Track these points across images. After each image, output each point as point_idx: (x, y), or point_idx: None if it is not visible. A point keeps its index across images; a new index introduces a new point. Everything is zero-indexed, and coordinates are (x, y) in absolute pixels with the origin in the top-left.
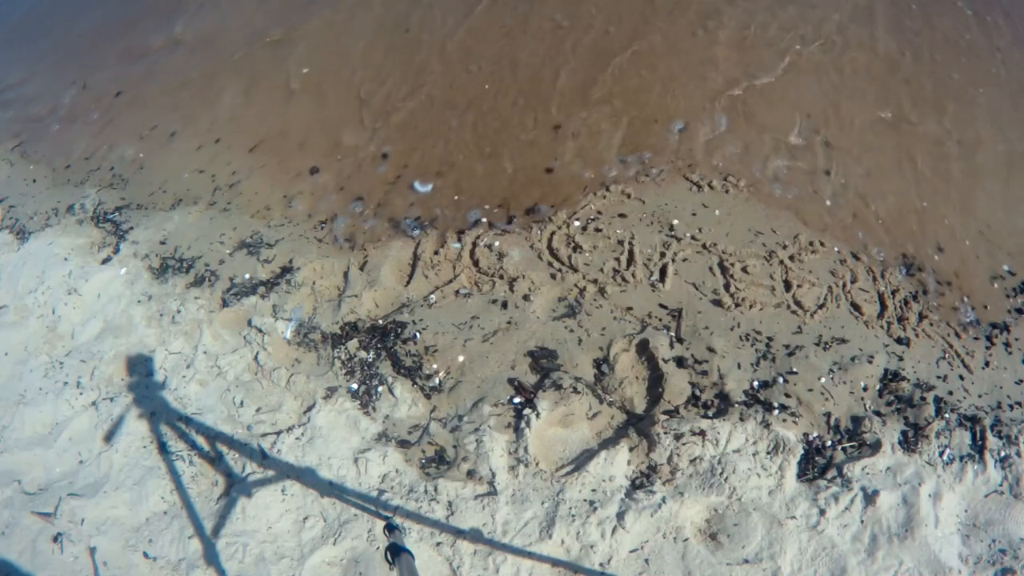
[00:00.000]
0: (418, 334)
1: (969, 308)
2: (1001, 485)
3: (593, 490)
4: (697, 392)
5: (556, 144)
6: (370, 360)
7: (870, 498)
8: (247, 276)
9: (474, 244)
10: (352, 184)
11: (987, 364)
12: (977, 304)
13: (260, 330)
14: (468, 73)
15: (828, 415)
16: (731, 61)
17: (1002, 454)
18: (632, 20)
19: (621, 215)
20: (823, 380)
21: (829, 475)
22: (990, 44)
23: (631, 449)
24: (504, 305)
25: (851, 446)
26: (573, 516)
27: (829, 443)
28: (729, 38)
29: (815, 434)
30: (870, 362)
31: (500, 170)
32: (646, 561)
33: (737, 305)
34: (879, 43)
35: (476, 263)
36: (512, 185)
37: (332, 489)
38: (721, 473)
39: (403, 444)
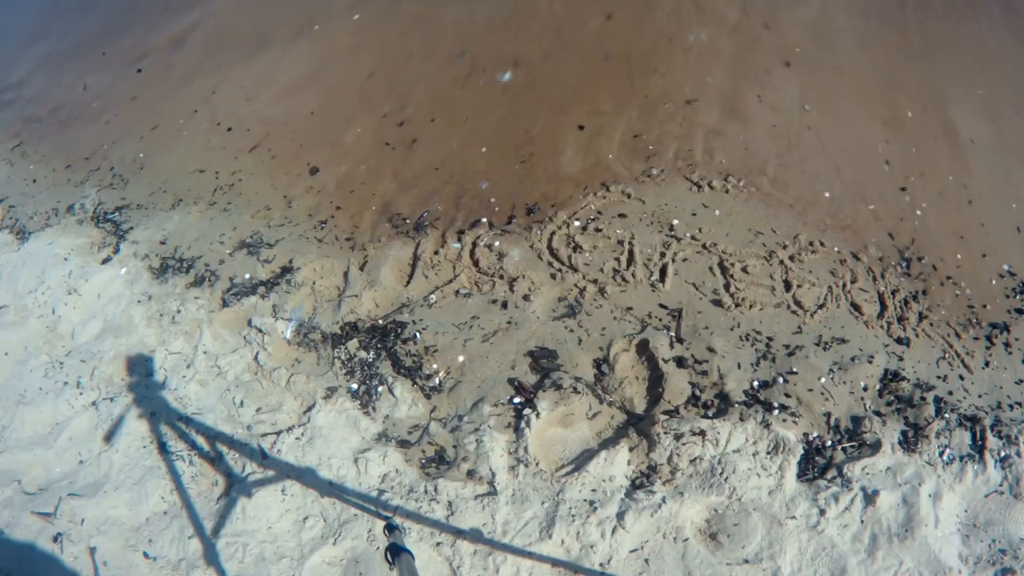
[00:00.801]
0: (418, 334)
1: (969, 307)
2: (1001, 485)
3: (593, 490)
4: (697, 392)
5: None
6: (370, 360)
7: (870, 498)
8: (247, 276)
9: (474, 244)
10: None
11: (987, 364)
12: (977, 303)
13: (260, 330)
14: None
15: (828, 415)
16: (731, 59)
17: (1002, 454)
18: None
19: (621, 215)
20: (823, 380)
21: (829, 475)
22: (989, 37)
23: (631, 449)
24: (504, 305)
25: (851, 446)
26: (573, 516)
27: (829, 443)
28: (730, 36)
29: (815, 434)
30: (870, 362)
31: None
32: (646, 561)
33: (737, 305)
34: (874, 40)
35: (476, 263)
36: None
37: (332, 489)
38: (721, 473)
39: (403, 444)
